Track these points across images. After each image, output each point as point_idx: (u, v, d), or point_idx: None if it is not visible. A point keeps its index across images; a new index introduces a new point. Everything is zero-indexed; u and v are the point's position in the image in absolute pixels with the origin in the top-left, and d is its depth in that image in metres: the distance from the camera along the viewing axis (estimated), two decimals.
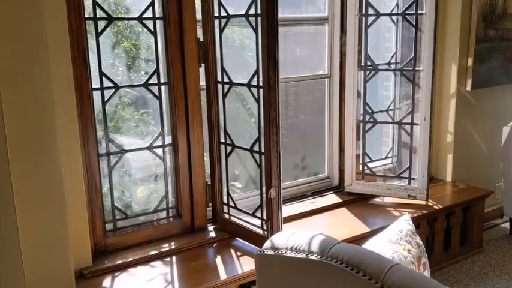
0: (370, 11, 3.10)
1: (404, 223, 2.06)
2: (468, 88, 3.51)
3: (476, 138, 3.71)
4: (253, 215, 2.59)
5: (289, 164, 3.37)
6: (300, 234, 1.60)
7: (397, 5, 3.39)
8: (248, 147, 2.54)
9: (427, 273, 1.98)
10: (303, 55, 3.42)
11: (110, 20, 2.41)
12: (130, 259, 2.43)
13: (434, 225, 3.14)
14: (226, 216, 2.73)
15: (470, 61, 3.46)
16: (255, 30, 2.37)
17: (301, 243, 1.55)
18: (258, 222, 2.55)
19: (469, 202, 3.32)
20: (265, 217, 2.48)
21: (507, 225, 3.75)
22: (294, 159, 3.41)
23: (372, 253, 1.42)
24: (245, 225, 2.61)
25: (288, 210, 3.01)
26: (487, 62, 3.52)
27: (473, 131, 3.68)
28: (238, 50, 2.97)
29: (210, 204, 2.77)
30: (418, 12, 3.00)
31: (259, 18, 2.32)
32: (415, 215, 3.00)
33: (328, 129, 3.36)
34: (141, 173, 2.83)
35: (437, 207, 3.13)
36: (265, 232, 2.46)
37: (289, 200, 3.18)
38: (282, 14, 3.08)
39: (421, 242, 2.02)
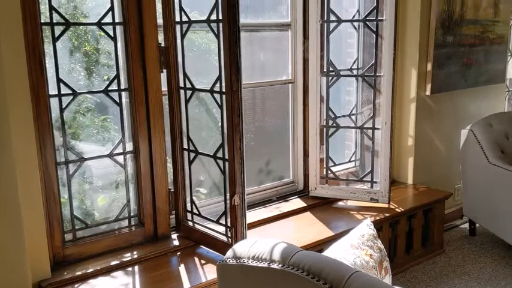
0: (332, 18, 3.13)
1: (365, 228, 2.08)
2: (427, 93, 3.60)
3: (436, 142, 3.81)
4: (217, 222, 2.57)
5: (256, 168, 3.37)
6: (262, 243, 1.59)
7: (358, 11, 3.44)
8: (212, 154, 2.52)
9: (388, 277, 2.00)
10: (268, 60, 3.43)
11: (67, 25, 2.35)
12: (90, 270, 2.37)
13: (396, 227, 3.20)
14: (190, 223, 2.70)
15: (429, 66, 3.54)
16: (217, 36, 2.35)
17: (263, 251, 1.54)
18: (222, 229, 2.52)
19: (429, 204, 3.39)
20: (229, 224, 2.46)
21: (467, 225, 3.85)
22: (261, 163, 3.41)
23: (332, 261, 1.43)
24: (209, 232, 2.58)
25: (253, 216, 3.00)
26: (446, 67, 3.62)
27: (432, 135, 3.77)
28: (203, 54, 2.95)
29: (173, 212, 2.73)
30: (378, 18, 3.05)
31: (220, 24, 2.31)
32: (378, 218, 3.05)
33: (293, 133, 3.37)
34: (102, 180, 2.76)
35: (399, 210, 3.18)
36: (230, 239, 2.45)
37: (255, 205, 3.17)
38: (245, 20, 3.08)
39: (382, 246, 2.05)
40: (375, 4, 3.04)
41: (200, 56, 2.94)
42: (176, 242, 2.66)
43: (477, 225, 3.74)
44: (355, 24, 3.46)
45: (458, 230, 3.91)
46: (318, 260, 1.41)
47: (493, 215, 3.38)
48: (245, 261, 1.57)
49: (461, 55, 3.70)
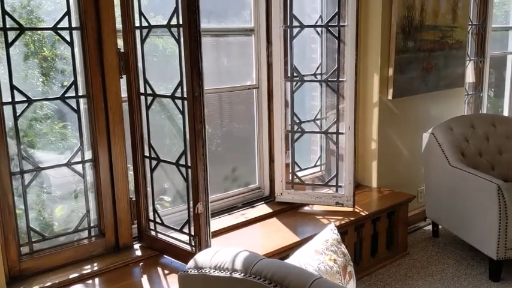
0: (295, 23, 3.14)
1: (330, 232, 2.07)
2: (390, 97, 3.65)
3: (399, 145, 3.86)
4: (180, 230, 2.52)
5: (222, 175, 3.34)
6: (224, 252, 1.55)
7: (320, 17, 3.46)
8: (174, 161, 2.47)
9: (352, 282, 2.00)
10: (232, 65, 3.41)
11: (21, 30, 2.26)
12: (48, 284, 2.28)
13: (361, 231, 3.22)
14: (153, 233, 2.64)
15: (391, 71, 3.59)
16: (178, 41, 2.31)
17: (225, 261, 1.51)
18: (186, 238, 2.47)
19: (393, 207, 3.43)
20: (193, 233, 2.42)
21: (430, 227, 3.92)
22: (227, 169, 3.38)
23: (295, 268, 1.41)
24: (172, 241, 2.53)
25: (218, 223, 2.96)
26: (407, 72, 3.68)
27: (395, 138, 3.82)
28: (168, 59, 2.90)
29: (136, 221, 2.66)
30: (340, 24, 3.07)
31: (181, 29, 2.27)
32: (343, 222, 3.06)
33: (258, 139, 3.35)
34: (60, 190, 2.66)
35: (364, 214, 3.21)
36: (194, 248, 2.40)
37: (220, 212, 3.13)
38: (208, 25, 3.05)
39: (346, 251, 2.04)
40: (337, 10, 3.06)
41: (165, 61, 2.89)
42: (139, 252, 2.59)
43: (440, 226, 3.81)
44: (318, 29, 3.47)
45: (422, 231, 3.97)
46: (280, 268, 1.39)
47: (454, 216, 3.45)
48: (207, 271, 1.53)
49: (421, 60, 3.78)
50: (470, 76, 4.56)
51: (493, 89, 5.67)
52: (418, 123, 3.92)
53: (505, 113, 5.41)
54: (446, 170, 3.44)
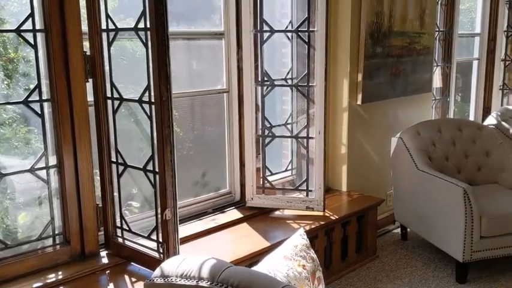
0: (265, 28, 3.13)
1: (299, 238, 2.07)
2: (359, 102, 3.68)
3: (368, 149, 3.91)
4: (148, 237, 2.47)
5: (193, 179, 3.30)
6: (191, 260, 1.53)
7: (291, 22, 3.47)
8: (141, 167, 2.43)
9: (321, 287, 2.00)
10: (203, 69, 3.38)
11: None
12: None
13: (331, 235, 3.23)
14: (120, 240, 2.58)
15: (360, 76, 3.63)
16: (145, 45, 2.28)
17: (192, 269, 1.48)
18: (153, 245, 2.43)
19: (363, 211, 3.46)
20: (161, 239, 2.38)
21: (399, 230, 3.96)
22: (198, 174, 3.35)
23: (262, 276, 1.40)
24: (140, 248, 2.48)
25: (187, 229, 2.92)
26: (375, 77, 3.72)
27: (365, 143, 3.86)
28: (134, 62, 2.86)
29: (102, 228, 2.60)
30: (310, 29, 3.09)
31: (149, 32, 2.23)
32: (313, 226, 3.06)
33: (229, 143, 3.33)
34: (24, 196, 2.58)
35: (334, 218, 3.22)
36: (162, 255, 2.36)
37: (190, 218, 3.09)
38: (177, 28, 3.01)
39: (315, 256, 2.04)
40: (307, 15, 3.08)
41: (135, 64, 2.85)
42: (105, 260, 2.53)
43: (408, 229, 3.86)
44: (289, 34, 3.48)
45: (391, 235, 4.02)
46: (247, 276, 1.37)
47: (422, 219, 3.50)
48: (173, 279, 1.50)
49: (390, 66, 3.83)
50: (437, 81, 4.66)
51: (460, 94, 5.80)
52: (386, 128, 3.97)
53: (471, 117, 5.54)
54: (414, 173, 3.50)
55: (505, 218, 3.17)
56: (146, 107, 2.34)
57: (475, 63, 5.45)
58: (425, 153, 3.60)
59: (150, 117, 2.33)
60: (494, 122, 4.25)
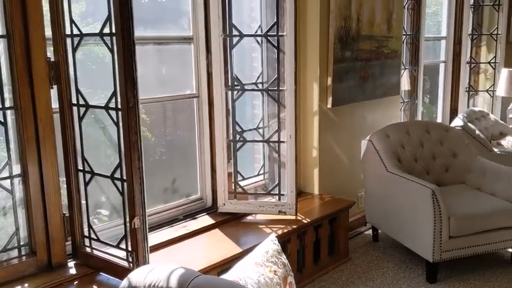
0: (235, 32, 3.12)
1: (270, 243, 2.06)
2: (329, 105, 3.71)
3: (339, 152, 3.94)
4: (117, 246, 2.43)
5: (164, 185, 3.26)
6: (159, 270, 1.50)
7: (260, 26, 3.48)
8: (109, 174, 2.38)
9: None
10: (173, 74, 3.35)
11: None
12: None
13: (304, 238, 3.24)
14: (88, 249, 2.52)
15: (329, 80, 3.66)
16: (111, 50, 2.23)
17: (160, 279, 1.45)
18: (123, 254, 2.38)
19: (335, 213, 3.48)
20: (130, 248, 2.33)
21: (370, 232, 4.00)
22: (169, 179, 3.31)
23: (230, 284, 1.38)
24: (109, 258, 2.43)
25: (158, 236, 2.88)
26: (345, 81, 3.76)
27: (335, 146, 3.89)
28: (104, 68, 2.80)
29: (70, 238, 2.53)
30: (279, 34, 3.09)
31: (114, 38, 2.19)
32: (285, 230, 3.06)
33: (200, 149, 3.31)
34: None
35: (306, 221, 3.23)
36: (131, 264, 2.31)
37: (160, 225, 3.05)
38: (144, 33, 2.97)
39: (286, 261, 2.04)
40: (276, 20, 3.08)
41: (105, 69, 2.80)
42: (73, 271, 2.47)
43: (379, 231, 3.90)
44: (258, 39, 3.48)
45: (362, 236, 4.06)
46: (215, 285, 1.36)
47: (392, 221, 3.55)
48: None
49: (358, 69, 3.87)
50: (405, 84, 4.74)
51: (428, 96, 5.92)
52: (356, 131, 4.01)
53: (439, 119, 5.66)
54: (384, 175, 3.54)
55: (473, 218, 3.23)
56: (113, 113, 2.30)
57: (442, 66, 5.57)
58: (395, 155, 3.65)
59: (117, 124, 2.29)
60: (461, 123, 4.35)
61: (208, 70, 3.16)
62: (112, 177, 2.37)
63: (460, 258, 3.26)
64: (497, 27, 5.62)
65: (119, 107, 2.24)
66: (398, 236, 3.53)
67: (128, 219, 2.32)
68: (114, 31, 2.18)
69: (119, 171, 2.33)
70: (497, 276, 3.36)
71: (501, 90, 4.94)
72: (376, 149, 3.62)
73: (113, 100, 2.29)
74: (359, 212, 4.12)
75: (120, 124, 2.25)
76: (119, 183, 2.34)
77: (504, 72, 4.91)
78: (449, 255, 3.20)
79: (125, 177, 2.28)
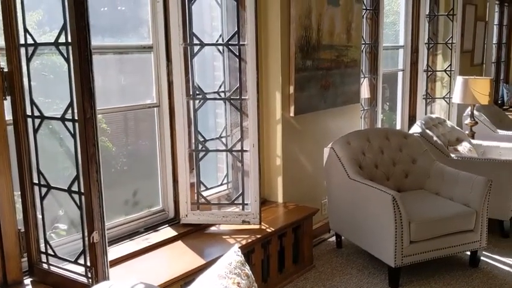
0: (195, 41, 3.10)
1: (233, 255, 2.04)
2: (292, 114, 3.73)
3: (302, 160, 3.96)
4: (75, 262, 2.35)
5: (124, 197, 3.19)
6: (118, 286, 1.45)
7: (221, 35, 3.47)
8: (66, 188, 2.30)
9: None
10: (133, 83, 3.30)
11: None
12: None
13: (268, 248, 3.23)
14: (45, 266, 2.43)
15: (291, 89, 3.68)
16: (67, 60, 2.17)
17: None
18: (81, 269, 2.31)
19: (299, 221, 3.49)
20: (89, 264, 2.26)
21: (334, 238, 4.03)
22: (131, 191, 3.24)
23: None
24: (67, 274, 2.35)
25: (119, 250, 2.81)
26: (306, 89, 3.79)
27: (299, 154, 3.92)
28: (60, 78, 2.72)
29: (26, 254, 2.44)
30: (241, 43, 3.09)
31: (70, 47, 2.13)
32: (249, 240, 3.04)
33: (161, 159, 3.25)
34: None
35: (270, 230, 3.22)
36: (90, 280, 2.24)
37: (121, 238, 2.97)
38: (102, 42, 2.91)
39: (250, 273, 2.02)
40: (236, 29, 3.08)
41: (62, 79, 2.72)
42: None
43: (343, 237, 3.94)
44: (220, 48, 3.47)
45: (326, 243, 4.08)
46: None
47: (354, 227, 3.59)
48: None
49: (320, 78, 3.92)
50: (365, 92, 4.82)
51: (387, 103, 6.06)
52: (319, 139, 4.05)
53: (398, 126, 5.79)
54: (346, 182, 3.58)
55: (432, 223, 3.31)
56: (70, 125, 2.23)
57: (400, 74, 5.71)
58: (356, 162, 3.70)
59: (74, 136, 2.22)
60: (419, 130, 4.46)
61: (169, 79, 3.13)
62: (69, 191, 2.29)
63: (421, 262, 3.33)
64: (452, 37, 5.82)
65: (76, 118, 2.17)
66: (361, 242, 3.58)
67: (86, 234, 2.25)
68: (70, 40, 2.12)
69: (76, 184, 2.26)
70: (456, 279, 3.44)
71: (457, 98, 5.10)
72: (338, 156, 3.67)
73: (70, 111, 2.23)
74: (323, 219, 4.15)
75: (77, 136, 2.18)
76: (76, 196, 2.27)
77: (459, 80, 5.08)
78: (410, 260, 3.26)
79: (82, 191, 2.22)
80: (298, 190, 3.91)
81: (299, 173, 3.94)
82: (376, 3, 4.77)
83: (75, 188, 2.26)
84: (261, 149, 3.25)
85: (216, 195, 3.61)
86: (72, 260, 2.35)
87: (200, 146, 3.26)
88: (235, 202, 3.36)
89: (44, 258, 2.44)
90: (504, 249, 3.91)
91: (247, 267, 2.05)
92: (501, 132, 5.42)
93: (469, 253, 3.63)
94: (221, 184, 3.74)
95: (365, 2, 4.64)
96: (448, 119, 5.57)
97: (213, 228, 3.26)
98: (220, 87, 3.54)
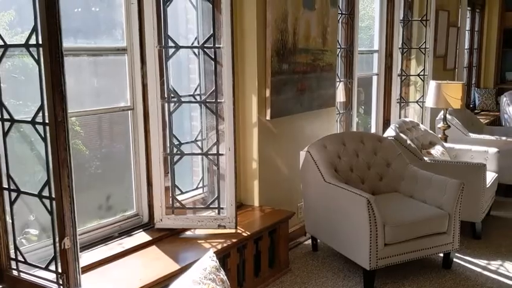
0: (170, 43, 3.07)
1: (208, 260, 2.01)
2: (268, 117, 3.73)
3: (278, 163, 3.96)
4: (46, 268, 2.29)
5: (97, 201, 3.13)
6: None
7: (196, 38, 3.45)
8: (37, 193, 2.25)
9: None
10: (106, 86, 3.24)
11: None
12: None
13: (244, 252, 3.21)
14: (15, 272, 2.37)
15: (268, 92, 3.68)
16: (38, 62, 2.12)
17: None
18: (52, 276, 2.25)
19: (275, 225, 3.48)
20: (60, 270, 2.21)
21: (310, 241, 4.04)
22: (105, 194, 3.19)
23: None
24: (38, 281, 2.29)
25: (92, 256, 2.75)
26: (283, 93, 3.80)
27: (275, 157, 3.92)
28: (28, 80, 2.66)
29: None
30: (216, 46, 3.08)
31: (41, 49, 2.09)
32: (225, 244, 3.02)
33: (135, 163, 3.20)
34: None
35: (246, 234, 3.21)
36: (62, 287, 2.19)
37: (94, 243, 2.91)
38: (74, 44, 2.86)
39: (225, 278, 2.00)
40: (212, 32, 3.07)
41: (34, 81, 2.66)
42: None
43: (319, 240, 3.95)
44: (195, 50, 3.45)
45: (302, 246, 4.09)
46: None
47: (330, 230, 3.60)
48: None
49: (296, 82, 3.93)
50: (341, 96, 4.86)
51: (363, 107, 6.12)
52: (295, 142, 4.06)
53: (373, 129, 5.86)
54: (322, 185, 3.60)
55: (406, 225, 3.35)
56: (40, 128, 2.18)
57: (375, 78, 5.78)
58: (332, 165, 3.72)
59: (44, 140, 2.17)
60: (393, 133, 4.51)
61: (144, 82, 3.09)
62: (40, 196, 2.24)
63: (396, 265, 3.37)
64: (425, 42, 5.92)
65: (47, 121, 2.12)
66: (337, 245, 3.59)
67: (57, 240, 2.19)
68: (41, 42, 2.07)
69: (47, 189, 2.21)
70: (430, 281, 3.49)
71: (430, 102, 5.19)
72: (314, 159, 3.68)
73: (41, 114, 2.17)
74: (299, 223, 4.15)
75: (48, 140, 2.13)
76: (47, 201, 2.22)
77: (432, 84, 5.17)
78: (385, 263, 3.29)
79: (53, 196, 2.16)
80: (275, 193, 3.91)
81: (275, 176, 3.94)
82: (351, 8, 4.82)
83: (46, 193, 2.21)
84: (237, 152, 3.24)
85: (191, 199, 3.58)
86: (43, 267, 2.30)
87: (175, 150, 3.23)
88: (210, 206, 3.33)
89: (14, 264, 2.38)
90: (476, 250, 3.99)
91: (222, 272, 2.04)
92: (473, 135, 5.53)
93: (442, 255, 3.69)
94: (196, 188, 3.71)
95: (340, 7, 4.68)
96: (422, 123, 5.66)
97: (188, 233, 3.23)
98: (195, 90, 3.51)
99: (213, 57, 3.12)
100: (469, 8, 8.20)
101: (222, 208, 3.27)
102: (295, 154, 3.96)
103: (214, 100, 3.18)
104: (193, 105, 3.60)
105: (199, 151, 3.51)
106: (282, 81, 3.77)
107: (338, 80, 4.72)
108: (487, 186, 4.23)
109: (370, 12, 6.06)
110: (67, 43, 2.75)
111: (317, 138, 3.97)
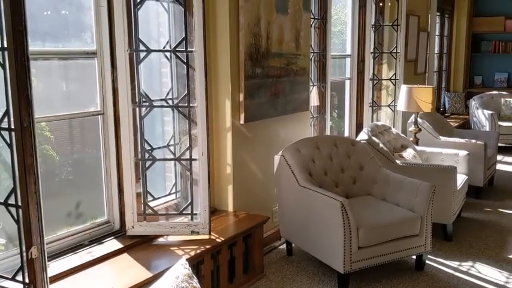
0: (141, 47, 3.02)
1: (180, 268, 1.98)
2: (242, 122, 3.71)
3: (253, 168, 3.94)
4: (13, 279, 2.21)
5: (68, 207, 3.05)
6: None
7: (168, 42, 3.41)
8: (2, 201, 2.16)
9: None
10: (76, 90, 3.17)
11: None
12: None
13: (218, 258, 3.17)
14: None
15: (241, 96, 3.66)
16: (3, 66, 2.05)
17: None
18: (19, 287, 2.17)
19: (249, 230, 3.46)
20: (27, 280, 2.13)
21: (285, 246, 4.03)
22: (75, 201, 3.11)
23: None
24: None
25: (60, 265, 2.68)
26: (256, 97, 3.79)
27: (249, 161, 3.90)
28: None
29: None
30: (188, 49, 3.04)
31: (6, 52, 2.01)
32: (199, 251, 2.99)
33: (106, 168, 3.13)
34: None
35: (220, 240, 3.18)
36: None
37: (64, 252, 2.83)
38: (42, 47, 2.78)
39: (198, 286, 1.97)
40: (184, 35, 3.03)
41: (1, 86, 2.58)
42: None
43: (293, 244, 3.95)
44: (167, 54, 3.41)
45: (277, 251, 4.08)
46: None
47: (304, 234, 3.60)
48: None
49: (269, 86, 3.92)
50: (314, 100, 4.89)
51: (336, 111, 6.17)
52: (269, 146, 4.05)
53: (346, 133, 5.91)
54: (296, 189, 3.59)
55: (380, 228, 3.37)
56: (6, 134, 2.10)
57: (348, 83, 5.84)
58: (306, 169, 3.73)
59: (10, 146, 2.09)
60: (366, 137, 4.55)
61: (114, 86, 3.03)
62: (6, 204, 2.16)
63: (369, 268, 3.38)
64: (396, 46, 6.00)
65: (12, 127, 2.05)
66: (311, 249, 3.59)
67: (24, 249, 2.12)
68: (5, 45, 2.00)
69: (13, 196, 2.13)
70: (403, 283, 3.52)
71: (401, 105, 5.26)
72: (289, 163, 3.67)
73: (6, 120, 2.10)
74: (273, 227, 4.14)
75: (14, 146, 2.06)
76: (13, 210, 2.14)
77: (403, 88, 5.25)
78: (359, 266, 3.31)
79: (20, 204, 2.09)
80: (249, 198, 3.89)
81: (249, 181, 3.92)
82: (323, 13, 4.85)
83: (12, 200, 2.13)
84: (210, 157, 3.21)
85: (164, 205, 3.53)
86: (10, 277, 2.21)
87: (147, 155, 3.18)
88: (183, 212, 3.29)
89: None
90: (447, 252, 4.05)
91: (195, 279, 2.01)
92: (443, 138, 5.63)
93: (414, 257, 3.73)
94: (169, 194, 3.65)
95: (313, 11, 4.71)
96: (393, 126, 5.73)
97: (160, 240, 3.18)
98: (168, 94, 3.47)
99: (185, 61, 3.08)
100: (438, 14, 8.38)
101: (196, 214, 3.23)
102: (269, 158, 3.95)
103: (186, 104, 3.14)
104: (166, 110, 3.55)
105: (172, 156, 3.47)
106: (255, 85, 3.76)
107: (311, 84, 4.74)
108: (458, 188, 4.31)
109: (342, 17, 6.12)
110: (35, 46, 2.68)
111: (291, 142, 3.97)
